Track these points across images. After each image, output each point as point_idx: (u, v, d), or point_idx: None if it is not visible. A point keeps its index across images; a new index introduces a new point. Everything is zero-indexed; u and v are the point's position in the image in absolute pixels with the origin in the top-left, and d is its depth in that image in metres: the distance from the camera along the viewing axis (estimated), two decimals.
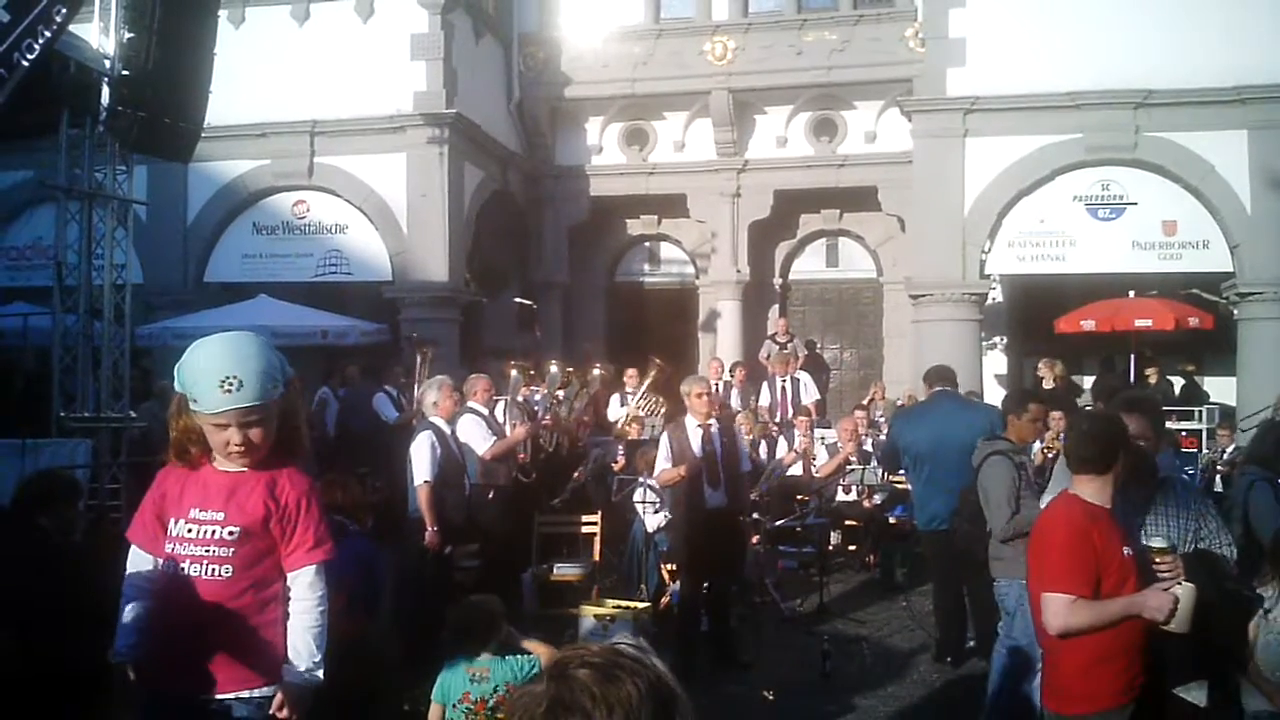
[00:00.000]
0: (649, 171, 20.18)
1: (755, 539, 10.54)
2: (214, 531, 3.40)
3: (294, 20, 17.28)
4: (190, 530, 3.41)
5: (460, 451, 8.61)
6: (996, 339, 18.16)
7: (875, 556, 11.95)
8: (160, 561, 3.47)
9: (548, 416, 11.26)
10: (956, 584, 8.34)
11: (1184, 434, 14.39)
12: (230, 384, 3.25)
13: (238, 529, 3.40)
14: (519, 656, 4.87)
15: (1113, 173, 15.85)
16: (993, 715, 6.54)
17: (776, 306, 20.84)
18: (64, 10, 8.32)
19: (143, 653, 3.42)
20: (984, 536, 6.71)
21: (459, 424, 8.96)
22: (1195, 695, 4.55)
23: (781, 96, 19.25)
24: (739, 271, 19.84)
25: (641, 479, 9.79)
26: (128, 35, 9.58)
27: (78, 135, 10.13)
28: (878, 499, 12.33)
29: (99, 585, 3.61)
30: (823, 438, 13.27)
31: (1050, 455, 9.39)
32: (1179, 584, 4.00)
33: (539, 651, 4.89)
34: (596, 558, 10.27)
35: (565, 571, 10.09)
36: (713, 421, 8.50)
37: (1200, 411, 15.53)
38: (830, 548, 11.85)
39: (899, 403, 15.14)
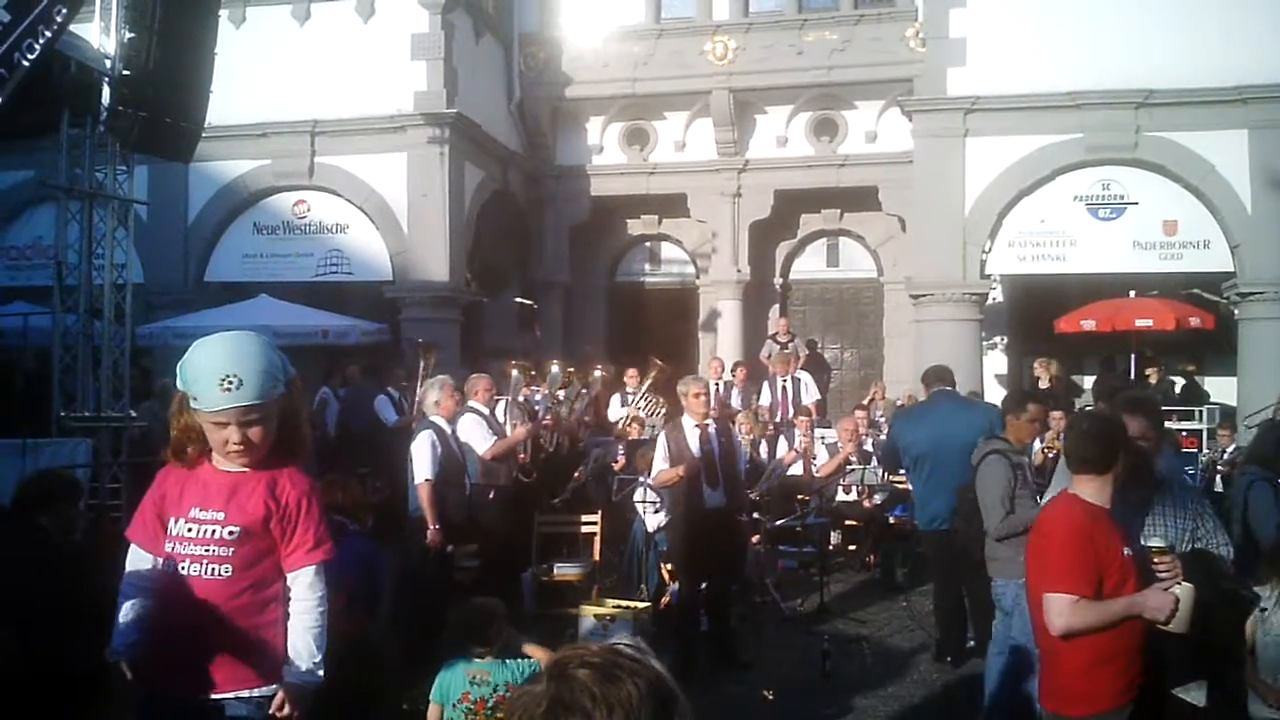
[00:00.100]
0: (649, 171, 20.19)
1: (756, 539, 10.54)
2: (214, 531, 3.40)
3: (295, 20, 17.29)
4: (190, 530, 3.42)
5: (461, 451, 8.61)
6: (997, 339, 18.16)
7: (875, 556, 11.95)
8: (160, 561, 3.47)
9: (548, 416, 11.26)
10: (957, 584, 8.34)
11: (1184, 434, 14.39)
12: (230, 382, 3.25)
13: (238, 529, 3.40)
14: (520, 660, 4.87)
15: (1113, 172, 15.85)
16: (992, 715, 6.53)
17: (777, 306, 20.84)
18: (64, 10, 8.32)
19: (141, 652, 3.42)
20: (980, 536, 6.72)
21: (460, 423, 8.95)
22: (1194, 695, 4.55)
23: (782, 96, 19.25)
24: (739, 271, 19.84)
25: (642, 479, 9.78)
26: (128, 35, 9.57)
27: (78, 135, 10.12)
28: (878, 499, 12.33)
29: (99, 585, 3.61)
30: (823, 437, 13.26)
31: (1050, 455, 9.41)
32: (1178, 584, 4.00)
33: (540, 657, 4.89)
34: (596, 557, 10.27)
35: (565, 571, 10.09)
36: (710, 421, 8.50)
37: (1200, 411, 15.53)
38: (830, 547, 11.85)
39: (899, 403, 15.14)
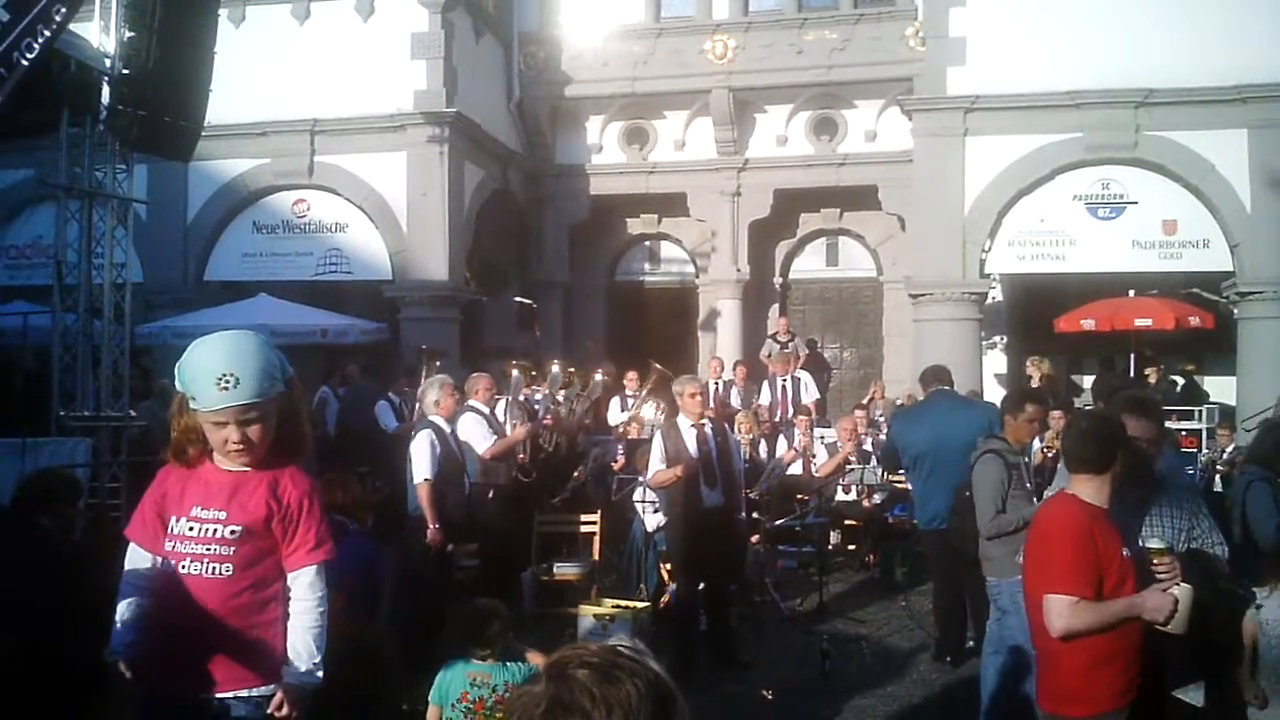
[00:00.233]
0: (649, 170, 20.19)
1: (755, 538, 10.55)
2: (215, 530, 3.40)
3: (294, 19, 17.28)
4: (192, 529, 3.41)
5: (460, 450, 8.62)
6: (996, 338, 18.15)
7: (875, 556, 11.96)
8: (159, 560, 3.47)
9: (548, 416, 11.25)
10: (956, 583, 8.33)
11: (1184, 434, 14.39)
12: (227, 382, 3.25)
13: (239, 528, 3.40)
14: (520, 664, 4.87)
15: (1113, 172, 15.85)
16: (990, 716, 6.53)
17: (776, 306, 20.85)
18: (63, 10, 8.32)
19: (140, 651, 3.42)
20: (976, 535, 6.73)
21: (460, 422, 8.96)
22: (1193, 696, 4.56)
23: (782, 95, 19.25)
24: (739, 270, 19.83)
25: (641, 478, 9.78)
26: (128, 34, 9.57)
27: (78, 134, 10.12)
28: (877, 498, 12.35)
29: (99, 584, 3.61)
30: (822, 437, 13.26)
31: (1050, 455, 9.42)
32: (1177, 585, 4.00)
33: (540, 663, 4.88)
34: (596, 557, 10.27)
35: (565, 571, 10.10)
36: (706, 421, 8.50)
37: (1200, 411, 15.53)
38: (830, 547, 11.86)
39: (898, 402, 15.15)
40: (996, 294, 17.42)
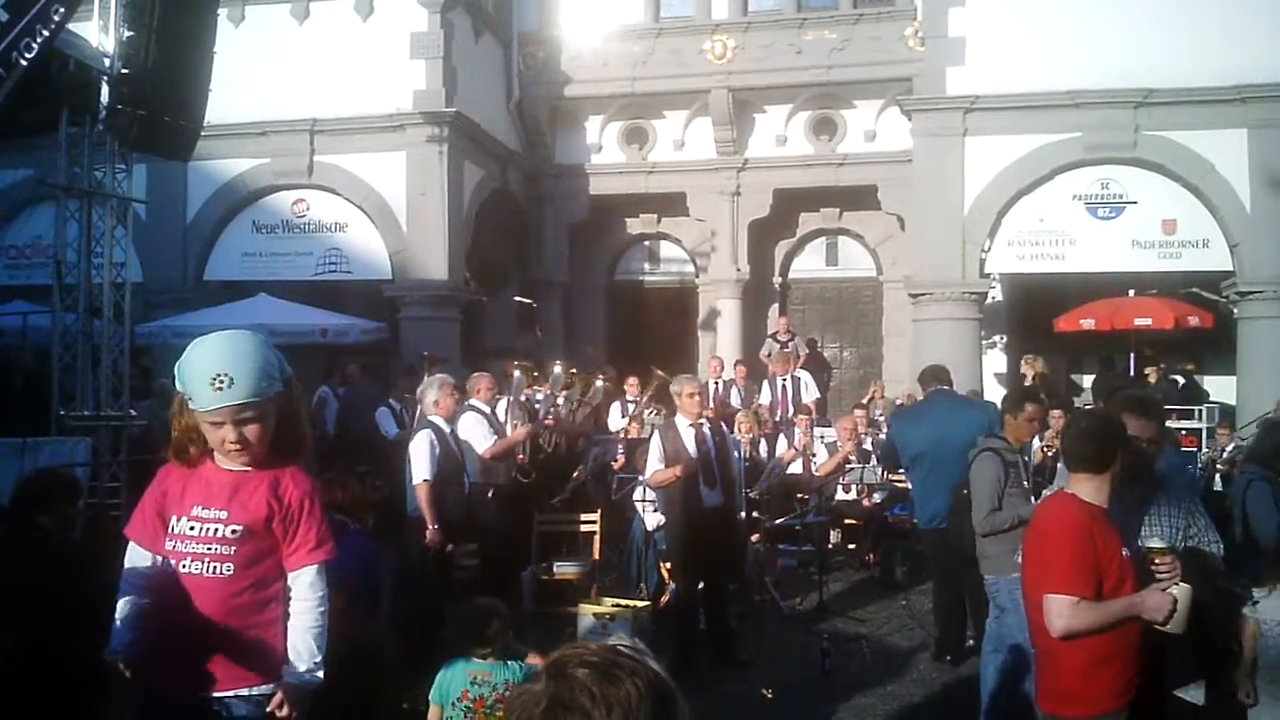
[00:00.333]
0: (649, 170, 20.19)
1: (755, 537, 10.55)
2: (216, 530, 3.40)
3: (294, 19, 17.28)
4: (192, 528, 3.41)
5: (460, 450, 8.61)
6: (996, 338, 18.15)
7: (875, 555, 11.96)
8: (159, 559, 3.47)
9: (549, 417, 11.22)
10: (956, 582, 8.33)
11: (1183, 433, 14.39)
12: (221, 381, 3.25)
13: (240, 527, 3.40)
14: (520, 662, 4.87)
15: (1112, 171, 15.85)
16: (990, 715, 6.54)
17: (776, 305, 20.85)
18: (62, 9, 8.32)
19: (140, 650, 3.41)
20: (970, 532, 6.74)
21: (460, 421, 8.96)
22: (1193, 695, 4.56)
23: (781, 95, 19.25)
24: (739, 270, 19.84)
25: (641, 478, 9.77)
26: (127, 33, 9.57)
27: (77, 133, 10.12)
28: (877, 498, 12.35)
29: (99, 584, 3.61)
30: (822, 436, 13.26)
31: (1050, 454, 9.43)
32: (1176, 584, 3.99)
33: (540, 663, 4.87)
34: (596, 556, 10.27)
35: (564, 570, 10.10)
36: (704, 421, 8.50)
37: (1200, 410, 15.53)
38: (830, 546, 11.86)
39: (898, 402, 15.15)
40: (996, 294, 17.42)
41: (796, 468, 12.15)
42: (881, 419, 14.82)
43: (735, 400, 15.90)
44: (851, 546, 12.57)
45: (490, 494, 9.25)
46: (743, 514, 10.00)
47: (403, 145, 16.97)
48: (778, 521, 11.11)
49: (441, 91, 16.92)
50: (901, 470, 9.92)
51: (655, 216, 21.45)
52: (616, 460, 11.83)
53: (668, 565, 9.21)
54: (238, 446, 3.37)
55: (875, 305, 20.88)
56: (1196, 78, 15.02)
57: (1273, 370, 14.71)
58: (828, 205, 20.56)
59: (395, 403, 13.38)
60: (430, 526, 7.95)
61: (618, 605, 8.61)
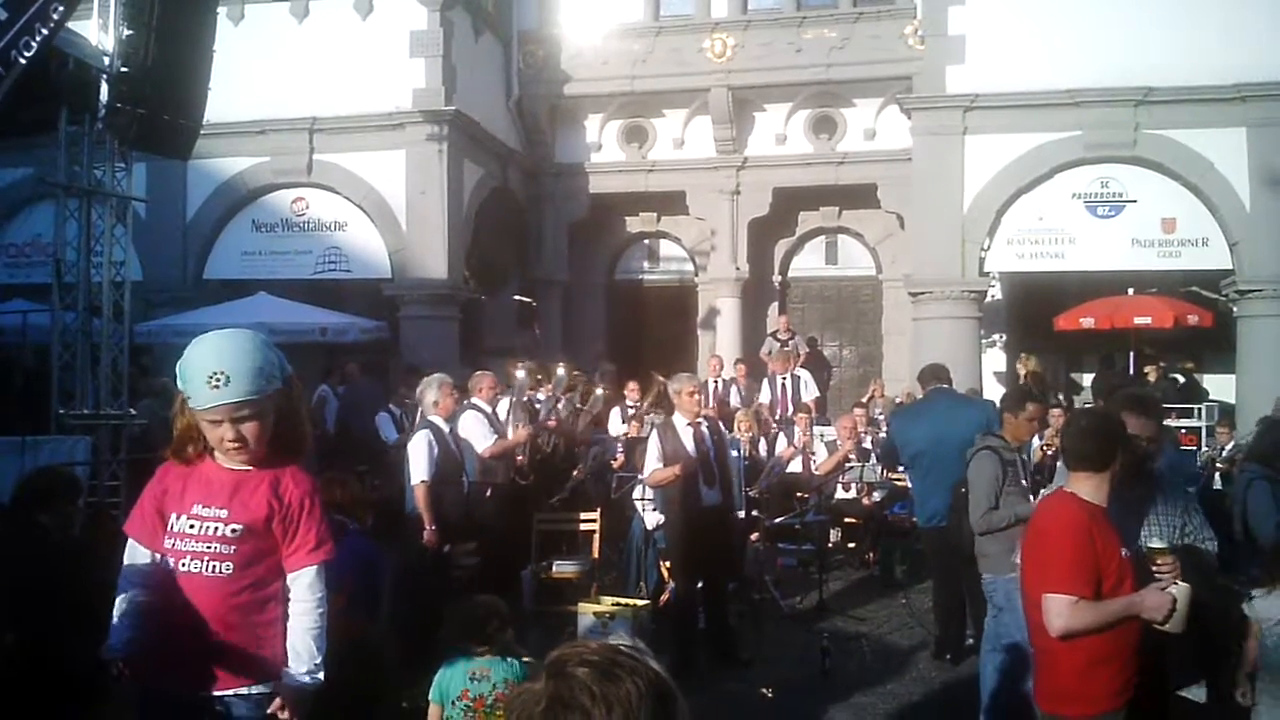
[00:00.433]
0: (648, 169, 20.19)
1: (755, 536, 10.55)
2: (216, 529, 3.39)
3: (293, 17, 17.28)
4: (192, 526, 3.41)
5: (459, 449, 8.61)
6: (996, 336, 18.15)
7: (874, 554, 11.96)
8: (158, 556, 3.47)
9: (551, 419, 11.19)
10: (956, 581, 8.33)
11: (1183, 431, 14.40)
12: (217, 380, 3.26)
13: (240, 527, 3.39)
14: (518, 660, 4.87)
15: (1112, 170, 15.85)
16: (990, 714, 6.54)
17: (776, 304, 20.86)
18: (61, 8, 8.31)
19: (138, 648, 3.41)
20: (970, 531, 6.73)
21: (461, 419, 8.97)
22: (1195, 693, 4.56)
23: (781, 94, 19.25)
24: (738, 269, 19.84)
25: (640, 477, 9.78)
26: (127, 32, 9.57)
27: (77, 132, 10.12)
28: (877, 496, 12.35)
29: (99, 582, 3.60)
30: (822, 435, 13.26)
31: (1049, 452, 9.42)
32: (1175, 584, 3.99)
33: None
34: (595, 555, 10.27)
35: (564, 569, 10.09)
36: (702, 420, 8.50)
37: (1199, 409, 15.54)
38: (830, 545, 11.86)
39: (898, 400, 15.15)
40: (996, 292, 17.42)
41: (796, 466, 12.15)
42: (881, 417, 14.82)
43: (735, 399, 15.90)
44: (851, 545, 12.56)
45: (488, 493, 9.25)
46: (742, 513, 10.00)
47: (402, 144, 16.97)
48: (777, 520, 11.12)
49: (441, 90, 16.91)
50: (901, 469, 9.92)
51: (655, 215, 21.46)
52: (616, 459, 11.83)
53: (667, 564, 9.21)
54: (236, 445, 3.37)
55: (875, 304, 20.88)
56: (1196, 76, 15.02)
57: (1272, 369, 14.70)
58: (827, 204, 20.56)
59: (395, 408, 13.31)
60: (428, 528, 7.96)
61: (617, 604, 8.61)
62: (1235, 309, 15.63)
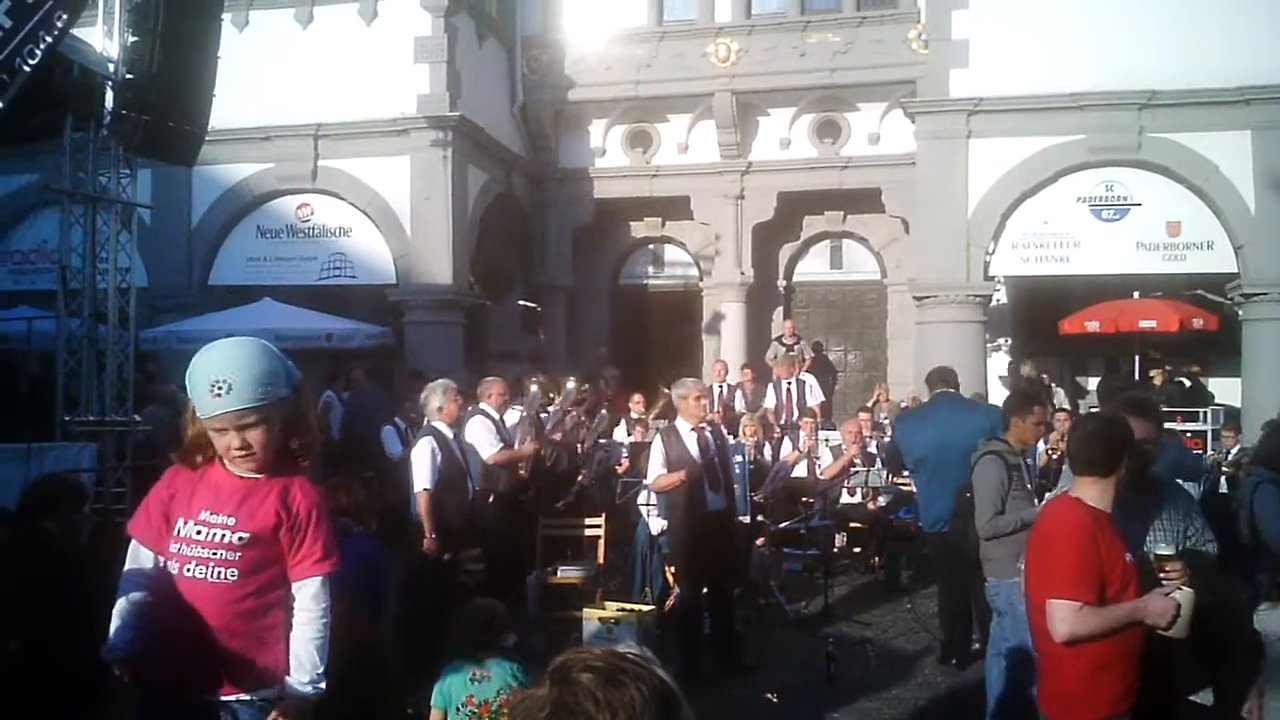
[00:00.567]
0: (652, 174, 20.20)
1: (760, 541, 10.54)
2: (223, 535, 3.39)
3: (297, 23, 17.30)
4: (199, 532, 3.40)
5: (464, 455, 8.60)
6: (1001, 340, 18.14)
7: (880, 559, 11.94)
8: (162, 560, 3.47)
9: (558, 432, 11.13)
10: (961, 586, 8.31)
11: (1189, 435, 14.39)
12: (219, 388, 3.26)
13: (247, 535, 3.39)
14: (518, 664, 4.88)
15: (1116, 174, 15.86)
16: (997, 718, 6.52)
17: (781, 309, 20.85)
18: (65, 16, 8.33)
19: (139, 650, 3.41)
20: (975, 536, 6.72)
21: (468, 424, 8.97)
22: (1202, 697, 4.55)
23: (785, 98, 19.25)
24: (743, 274, 19.84)
25: (645, 482, 9.77)
26: (131, 39, 9.60)
27: (82, 139, 10.14)
28: (882, 501, 12.34)
29: (104, 589, 3.60)
30: (827, 439, 13.26)
31: (1054, 456, 9.41)
32: (1179, 589, 3.98)
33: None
34: (600, 560, 10.27)
35: (569, 574, 10.09)
36: (705, 425, 8.49)
37: (1205, 413, 15.52)
38: (835, 550, 11.86)
39: (903, 404, 15.14)
40: (1001, 296, 17.42)
41: (801, 471, 12.15)
42: (886, 422, 14.80)
43: (740, 404, 15.89)
44: (856, 550, 12.56)
45: (490, 499, 9.24)
46: (747, 518, 10.00)
47: (407, 150, 16.98)
48: (782, 525, 11.10)
49: (445, 96, 16.93)
50: (906, 473, 9.91)
51: (659, 220, 21.45)
52: (620, 464, 11.82)
53: (672, 569, 9.21)
54: (241, 453, 3.37)
55: (879, 308, 20.86)
56: (1200, 80, 15.02)
57: (1277, 372, 14.69)
58: (831, 208, 20.56)
59: (401, 421, 13.19)
60: (428, 536, 7.96)
61: (623, 609, 8.61)
62: (1240, 312, 15.62)
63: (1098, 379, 18.28)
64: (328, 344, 15.91)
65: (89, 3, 9.21)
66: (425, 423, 8.79)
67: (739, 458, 9.90)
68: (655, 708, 1.46)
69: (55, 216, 11.93)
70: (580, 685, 1.47)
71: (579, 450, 11.81)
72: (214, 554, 3.38)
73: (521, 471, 9.94)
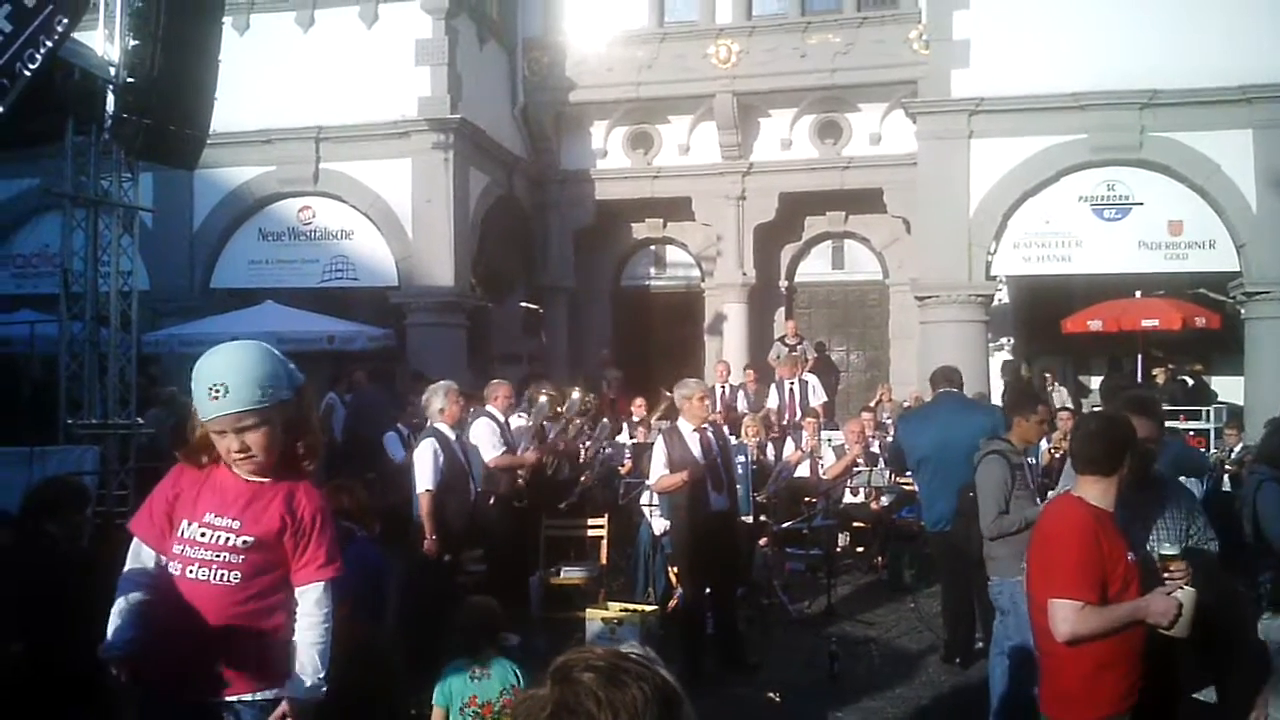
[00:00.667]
0: (654, 175, 20.20)
1: (763, 541, 10.54)
2: (227, 539, 3.38)
3: (298, 26, 17.31)
4: (203, 534, 3.40)
5: (466, 457, 8.61)
6: (1003, 340, 18.14)
7: (883, 558, 11.94)
8: (164, 560, 3.46)
9: (560, 444, 11.09)
10: (964, 585, 8.31)
11: (1191, 434, 14.37)
12: (216, 391, 3.27)
13: (252, 539, 3.39)
14: (517, 664, 4.89)
15: (1118, 173, 15.86)
16: (1000, 717, 6.52)
17: (783, 309, 20.85)
18: (65, 20, 8.33)
19: (139, 650, 3.41)
20: (978, 535, 6.71)
21: (473, 426, 8.96)
22: (1205, 694, 4.55)
23: (786, 99, 19.24)
24: (745, 274, 19.84)
25: (648, 482, 9.77)
26: (132, 42, 9.59)
27: (83, 142, 10.13)
28: (885, 500, 12.33)
29: (107, 592, 3.60)
30: (829, 439, 13.26)
31: (1057, 456, 9.40)
32: (1180, 589, 3.97)
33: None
34: (603, 561, 10.27)
35: (572, 575, 10.09)
36: (707, 426, 8.49)
37: (1208, 411, 15.51)
38: (838, 549, 11.85)
39: (905, 404, 15.14)
40: (1003, 296, 17.42)
41: (804, 471, 12.15)
42: (889, 422, 14.80)
43: (743, 405, 15.89)
44: (859, 549, 12.55)
45: (491, 501, 9.24)
46: (750, 518, 10.00)
47: (408, 152, 16.99)
48: (785, 525, 11.10)
49: (446, 98, 16.94)
50: (908, 472, 9.91)
51: (661, 221, 21.45)
52: (623, 465, 11.80)
53: (675, 569, 9.21)
54: (241, 455, 3.37)
55: (882, 308, 20.86)
56: (1201, 79, 15.02)
57: None
58: (833, 209, 20.56)
59: (404, 427, 13.15)
60: (428, 537, 7.96)
61: (625, 610, 8.61)
62: (1243, 311, 15.62)
63: (1100, 378, 18.27)
64: (330, 346, 15.92)
65: (89, 7, 9.20)
66: (427, 424, 8.78)
67: (741, 458, 9.90)
68: (657, 707, 1.46)
69: (57, 220, 11.92)
70: (582, 685, 1.47)
71: (580, 458, 11.80)
72: (217, 556, 3.38)
73: (521, 480, 9.92)
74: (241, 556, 3.39)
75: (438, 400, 8.54)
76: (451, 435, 8.45)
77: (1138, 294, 16.58)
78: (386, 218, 17.16)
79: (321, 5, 17.24)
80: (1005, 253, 16.26)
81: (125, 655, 3.38)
